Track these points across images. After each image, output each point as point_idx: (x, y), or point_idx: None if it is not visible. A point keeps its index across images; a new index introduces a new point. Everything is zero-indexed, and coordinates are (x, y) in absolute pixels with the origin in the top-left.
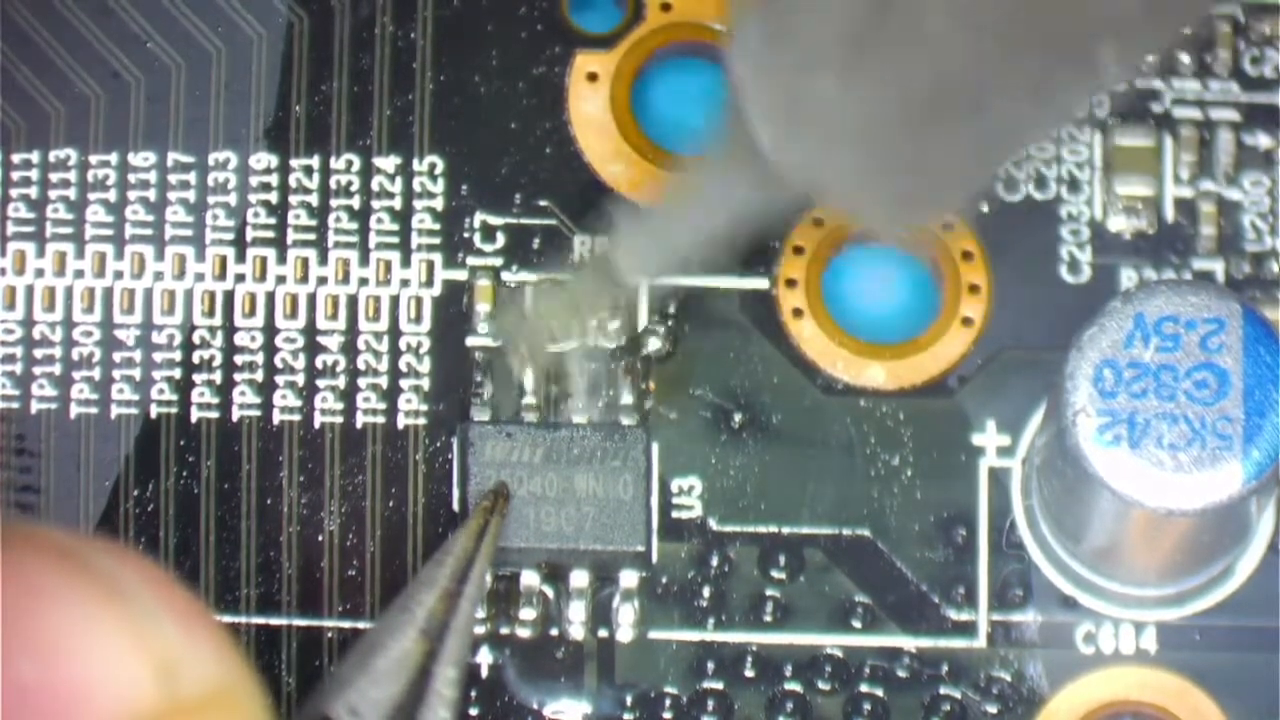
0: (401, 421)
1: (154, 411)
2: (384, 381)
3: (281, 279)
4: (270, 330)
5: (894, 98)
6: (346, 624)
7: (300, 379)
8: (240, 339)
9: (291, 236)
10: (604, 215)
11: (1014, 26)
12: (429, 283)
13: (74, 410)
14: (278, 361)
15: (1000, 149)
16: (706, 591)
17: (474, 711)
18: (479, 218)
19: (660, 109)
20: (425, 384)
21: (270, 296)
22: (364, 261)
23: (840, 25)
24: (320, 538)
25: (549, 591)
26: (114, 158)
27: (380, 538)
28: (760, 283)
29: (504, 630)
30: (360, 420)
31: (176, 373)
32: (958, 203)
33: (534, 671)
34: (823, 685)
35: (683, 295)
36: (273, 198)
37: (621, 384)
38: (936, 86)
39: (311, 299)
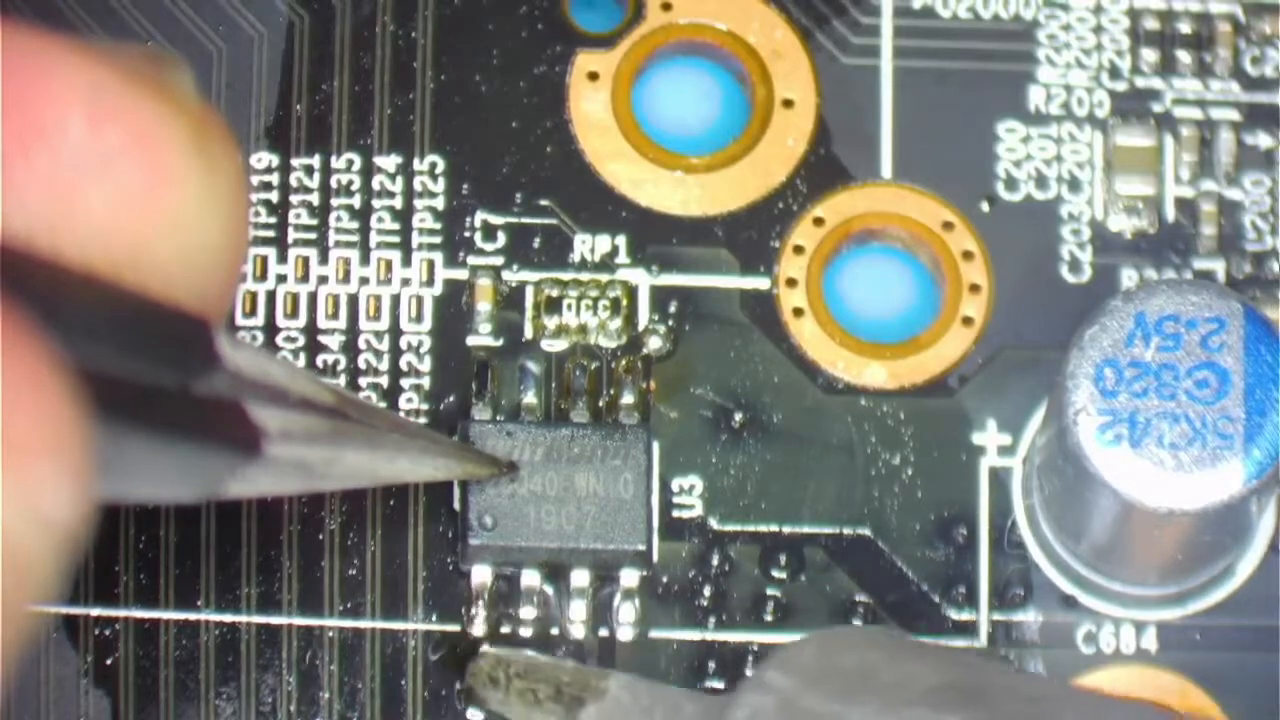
0: None
1: None
2: (384, 381)
3: (282, 278)
4: (271, 329)
5: None
6: (347, 624)
7: None
8: (241, 338)
9: (292, 235)
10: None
11: None
12: (430, 282)
13: None
14: None
15: None
16: (707, 591)
17: (474, 711)
18: (480, 217)
19: (661, 109)
20: (426, 383)
21: (271, 295)
22: (365, 261)
23: None
24: (320, 537)
25: (549, 591)
26: None
27: (380, 538)
28: (761, 282)
29: (504, 630)
30: None
31: None
32: None
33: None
34: None
35: (683, 295)
36: (273, 197)
37: (622, 384)
38: None
39: (312, 298)
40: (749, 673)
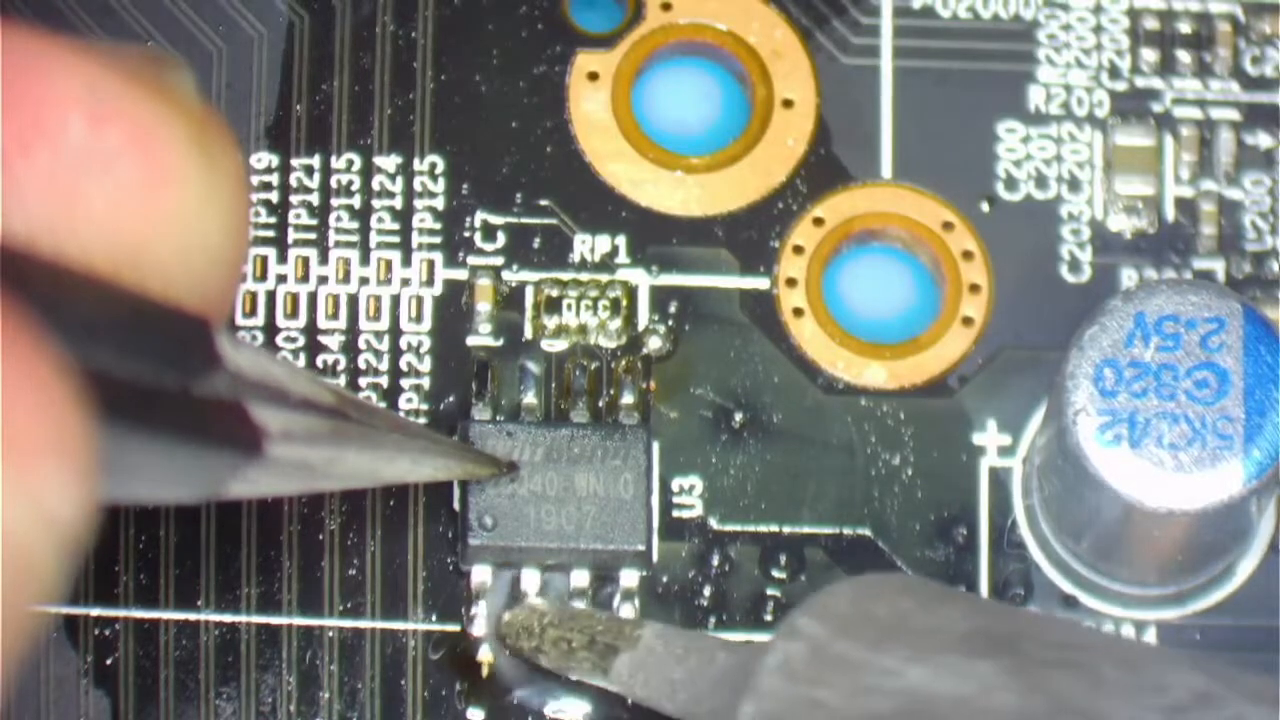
0: None
1: None
2: (384, 381)
3: (282, 278)
4: (271, 329)
5: None
6: (347, 624)
7: None
8: (241, 338)
9: (292, 236)
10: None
11: None
12: (429, 282)
13: None
14: None
15: None
16: (707, 591)
17: (474, 711)
18: (480, 217)
19: (661, 109)
20: (426, 383)
21: (271, 295)
22: (364, 261)
23: None
24: (320, 537)
25: (549, 591)
26: None
27: (380, 538)
28: (761, 282)
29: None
30: None
31: None
32: None
33: (534, 671)
34: None
35: (683, 295)
36: (273, 197)
37: (622, 384)
38: None
39: (312, 298)
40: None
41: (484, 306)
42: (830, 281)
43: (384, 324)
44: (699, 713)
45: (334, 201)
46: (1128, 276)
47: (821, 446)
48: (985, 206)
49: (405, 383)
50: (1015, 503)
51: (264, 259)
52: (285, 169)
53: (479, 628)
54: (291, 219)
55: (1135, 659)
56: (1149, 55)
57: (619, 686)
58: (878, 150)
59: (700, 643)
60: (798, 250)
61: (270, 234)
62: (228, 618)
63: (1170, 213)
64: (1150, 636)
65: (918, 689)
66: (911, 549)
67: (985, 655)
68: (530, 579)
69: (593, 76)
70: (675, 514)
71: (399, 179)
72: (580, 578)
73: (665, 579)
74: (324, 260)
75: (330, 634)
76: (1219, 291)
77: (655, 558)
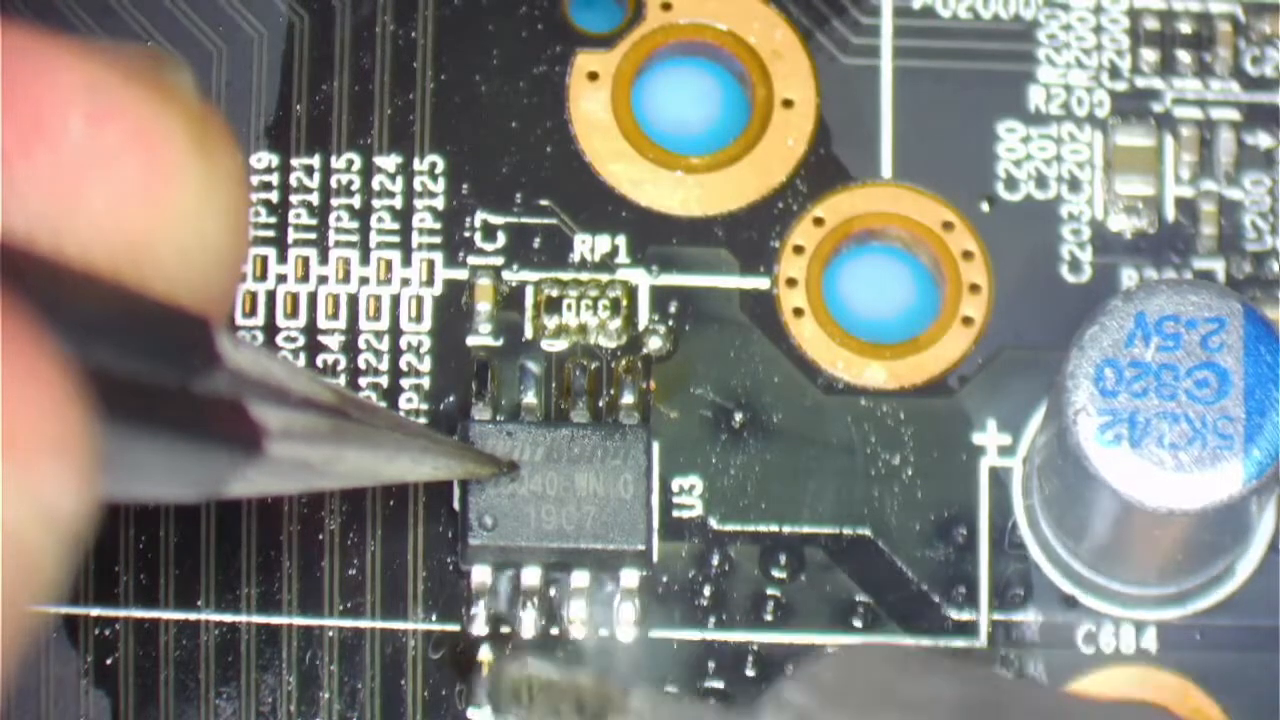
0: None
1: None
2: (384, 381)
3: (282, 278)
4: (271, 329)
5: None
6: (347, 624)
7: None
8: (241, 337)
9: (292, 235)
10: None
11: None
12: (429, 282)
13: None
14: None
15: None
16: (707, 591)
17: (474, 711)
18: (480, 217)
19: (661, 109)
20: (426, 383)
21: (271, 295)
22: (364, 261)
23: None
24: (320, 537)
25: (549, 591)
26: None
27: (380, 538)
28: (760, 282)
29: (504, 630)
30: None
31: None
32: None
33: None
34: None
35: (683, 295)
36: (273, 197)
37: (622, 384)
38: None
39: (312, 298)
40: (756, 681)
41: (484, 306)
42: (830, 281)
43: (384, 324)
44: None
45: (334, 201)
46: (1128, 276)
47: (821, 446)
48: (985, 206)
49: (405, 383)
50: (1015, 503)
51: (264, 259)
52: (285, 169)
53: (479, 628)
54: (291, 219)
55: None
56: (1149, 55)
57: None
58: (878, 150)
59: (690, 711)
60: (798, 250)
61: (270, 234)
62: (228, 618)
63: (1170, 213)
64: (1150, 636)
65: None
66: (911, 549)
67: None
68: (530, 578)
69: (593, 76)
70: (675, 514)
71: (399, 179)
72: (580, 577)
73: (665, 579)
74: (324, 260)
75: (330, 634)
76: (1219, 291)
77: (655, 558)
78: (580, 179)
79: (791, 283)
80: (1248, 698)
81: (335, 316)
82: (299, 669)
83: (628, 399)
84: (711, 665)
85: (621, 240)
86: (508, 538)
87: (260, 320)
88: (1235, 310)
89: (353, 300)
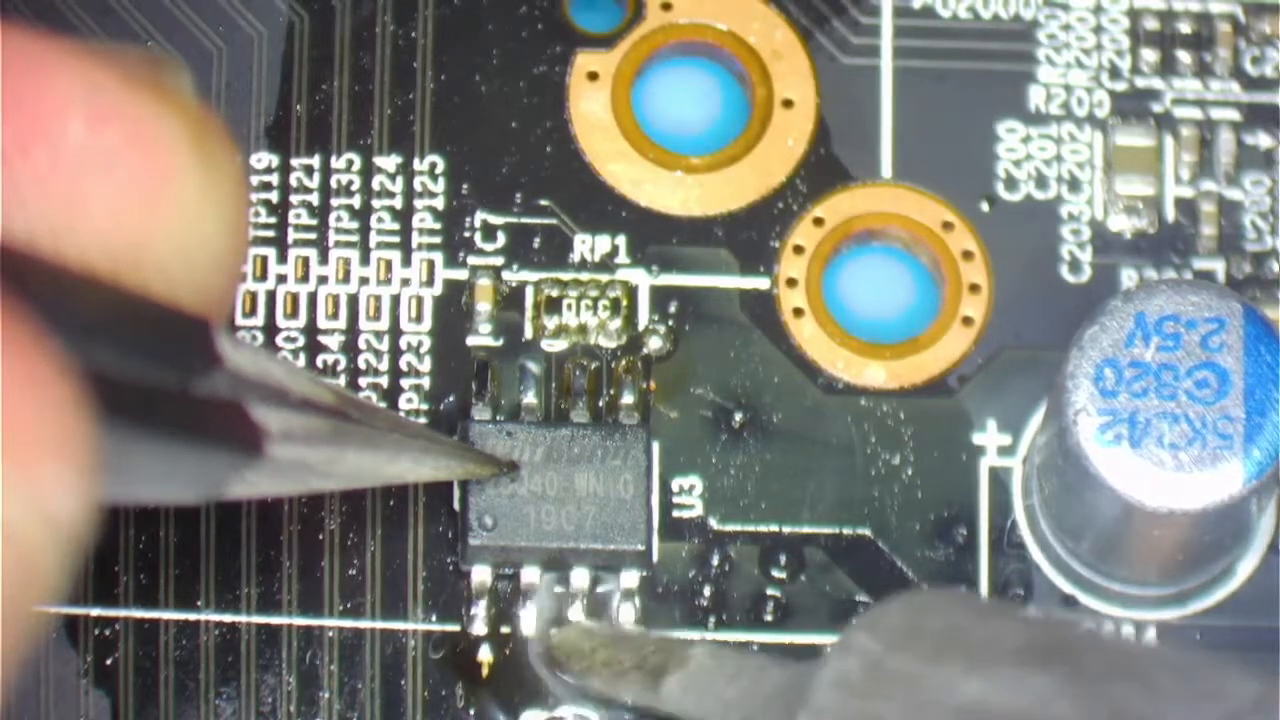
0: None
1: None
2: (384, 381)
3: (282, 278)
4: (271, 329)
5: None
6: (347, 624)
7: None
8: (241, 338)
9: (292, 236)
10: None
11: None
12: (429, 282)
13: None
14: None
15: None
16: (707, 591)
17: (474, 711)
18: (479, 217)
19: (660, 109)
20: (426, 383)
21: (271, 295)
22: (364, 261)
23: None
24: (320, 537)
25: (549, 590)
26: None
27: (380, 538)
28: (760, 282)
29: (504, 630)
30: None
31: None
32: None
33: (534, 671)
34: None
35: (683, 295)
36: (273, 197)
37: (622, 384)
38: None
39: (312, 298)
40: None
41: (484, 306)
42: (830, 281)
43: (384, 324)
44: None
45: (334, 201)
46: (1128, 276)
47: (821, 446)
48: (985, 206)
49: (405, 383)
50: (1015, 503)
51: (264, 259)
52: (285, 169)
53: (479, 628)
54: (291, 219)
55: (1189, 667)
56: (1149, 55)
57: (671, 707)
58: (878, 150)
59: (752, 661)
60: (798, 250)
61: (270, 234)
62: (228, 618)
63: (1170, 213)
64: (1150, 636)
65: (975, 702)
66: (911, 549)
67: (1041, 667)
68: (530, 578)
69: (593, 76)
70: (675, 514)
71: (399, 179)
72: (580, 577)
73: (665, 579)
74: (324, 260)
75: (330, 634)
76: (1219, 291)
77: (655, 558)
78: (580, 179)
79: (791, 283)
80: None
81: (335, 317)
82: (299, 669)
83: (628, 399)
84: None
85: (621, 240)
86: (508, 538)
87: (260, 320)
88: (1235, 310)
89: (353, 300)
